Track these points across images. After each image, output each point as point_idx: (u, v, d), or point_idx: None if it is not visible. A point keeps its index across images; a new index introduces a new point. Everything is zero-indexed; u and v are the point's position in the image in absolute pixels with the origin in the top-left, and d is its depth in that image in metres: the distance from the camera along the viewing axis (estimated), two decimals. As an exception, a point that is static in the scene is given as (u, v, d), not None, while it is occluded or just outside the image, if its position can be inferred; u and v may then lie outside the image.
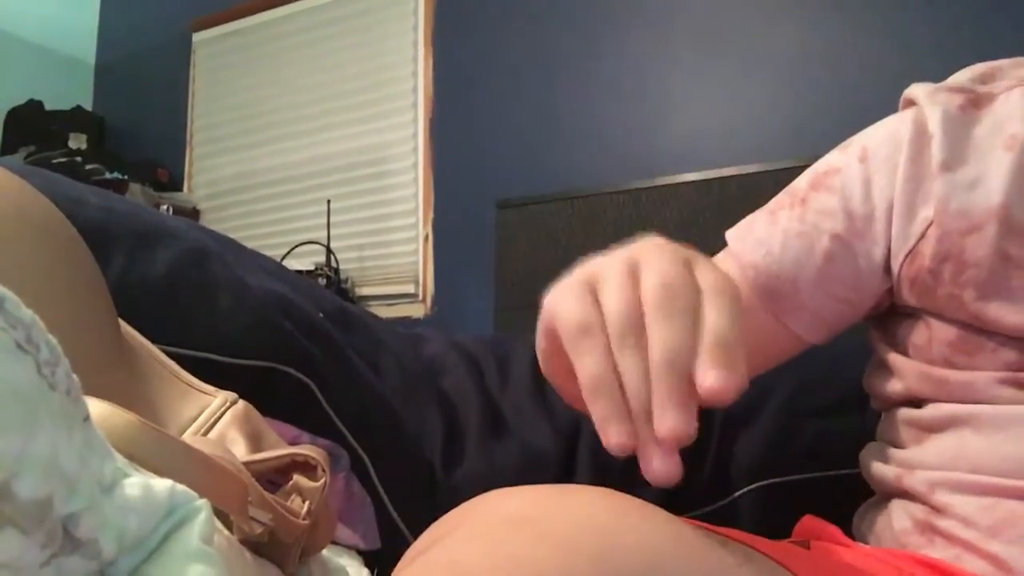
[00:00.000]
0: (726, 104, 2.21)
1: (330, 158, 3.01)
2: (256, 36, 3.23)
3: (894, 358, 0.63)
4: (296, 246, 2.79)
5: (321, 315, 0.86)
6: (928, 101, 0.60)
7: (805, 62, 2.18)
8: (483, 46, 2.72)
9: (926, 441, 0.59)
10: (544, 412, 0.97)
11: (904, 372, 0.61)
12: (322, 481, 0.48)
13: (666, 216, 2.09)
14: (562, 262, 0.51)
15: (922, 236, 0.58)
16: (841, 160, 0.64)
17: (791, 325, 0.65)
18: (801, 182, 0.66)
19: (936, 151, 0.57)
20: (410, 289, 2.81)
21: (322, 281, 2.73)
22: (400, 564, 0.35)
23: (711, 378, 0.37)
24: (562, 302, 0.42)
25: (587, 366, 0.39)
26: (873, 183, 0.60)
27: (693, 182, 2.11)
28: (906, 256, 0.59)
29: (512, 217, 2.40)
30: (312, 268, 2.77)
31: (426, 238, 2.79)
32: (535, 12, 2.63)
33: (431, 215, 2.78)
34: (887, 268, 0.61)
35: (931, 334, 0.59)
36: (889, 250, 0.60)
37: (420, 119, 2.85)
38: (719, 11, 2.28)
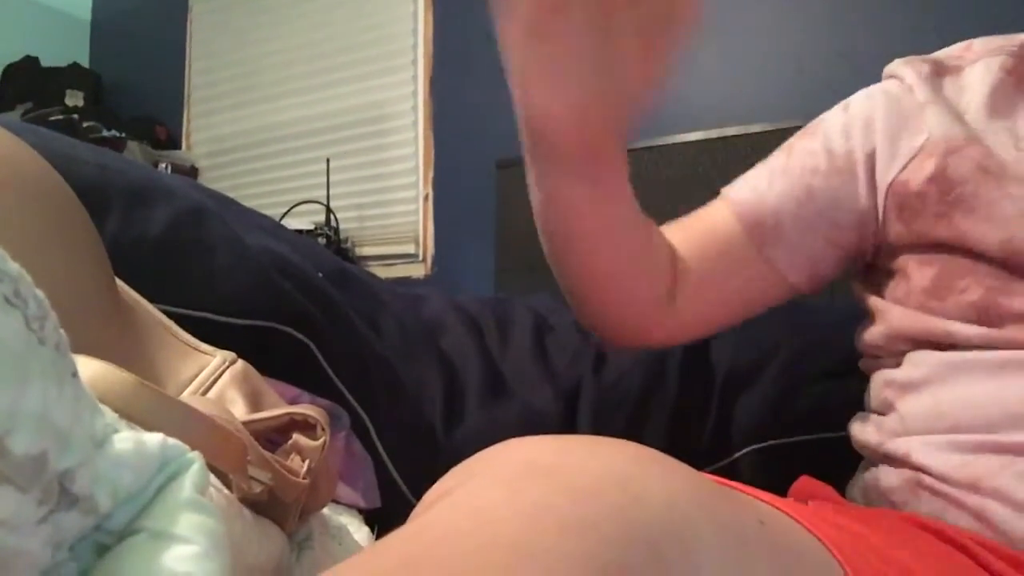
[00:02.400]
0: (728, 63, 2.19)
1: (329, 116, 2.99)
2: (254, -9, 3.19)
3: (875, 301, 0.66)
4: (295, 205, 2.78)
5: (320, 275, 0.86)
6: (901, 65, 0.68)
7: (806, 21, 2.15)
8: (484, 3, 2.68)
9: (903, 403, 0.61)
10: (545, 374, 0.97)
11: (885, 313, 0.64)
12: (322, 440, 0.48)
13: (668, 175, 2.07)
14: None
15: (908, 163, 0.62)
16: (826, 114, 0.70)
17: (774, 259, 0.68)
18: (792, 137, 0.71)
19: (919, 93, 0.64)
20: (410, 249, 2.80)
21: (322, 241, 2.72)
22: (418, 508, 0.35)
23: None
24: None
25: None
26: (853, 126, 0.66)
27: (694, 141, 2.09)
28: (890, 184, 0.63)
29: (512, 177, 2.38)
30: (312, 228, 2.75)
31: (426, 197, 2.77)
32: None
33: (431, 174, 2.76)
34: (872, 206, 0.65)
35: (909, 286, 0.62)
36: (873, 186, 0.64)
37: (420, 77, 2.82)
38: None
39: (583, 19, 0.49)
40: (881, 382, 0.64)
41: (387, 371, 0.85)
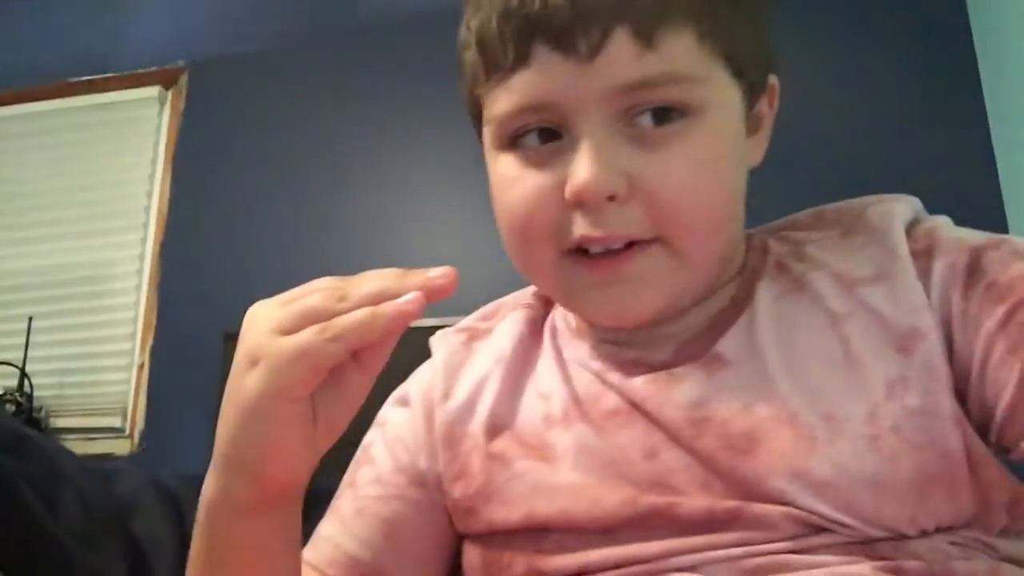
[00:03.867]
0: (467, 244, 2.29)
1: (40, 272, 2.73)
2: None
3: None
4: (-18, 367, 2.46)
5: (-12, 439, 0.74)
6: (437, 343, 0.70)
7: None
8: (226, 173, 2.65)
9: None
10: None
11: None
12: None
13: (413, 357, 2.07)
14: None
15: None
16: (372, 436, 0.68)
17: None
18: (348, 472, 0.68)
19: (438, 384, 0.65)
20: (116, 422, 2.54)
21: (10, 408, 2.41)
22: None
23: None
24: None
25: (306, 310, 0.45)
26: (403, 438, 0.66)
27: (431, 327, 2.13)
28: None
29: (240, 351, 2.28)
30: (0, 393, 2.44)
31: (141, 366, 2.57)
32: (281, 147, 2.62)
33: (150, 341, 2.57)
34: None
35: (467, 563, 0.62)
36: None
37: (150, 240, 2.68)
38: (460, 149, 2.39)
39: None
40: None
41: (58, 556, 0.73)
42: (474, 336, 0.69)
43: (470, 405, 0.63)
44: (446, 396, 0.64)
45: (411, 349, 2.18)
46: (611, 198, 0.52)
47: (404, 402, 0.68)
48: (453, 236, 2.36)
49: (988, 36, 2.12)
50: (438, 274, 0.45)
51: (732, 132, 0.56)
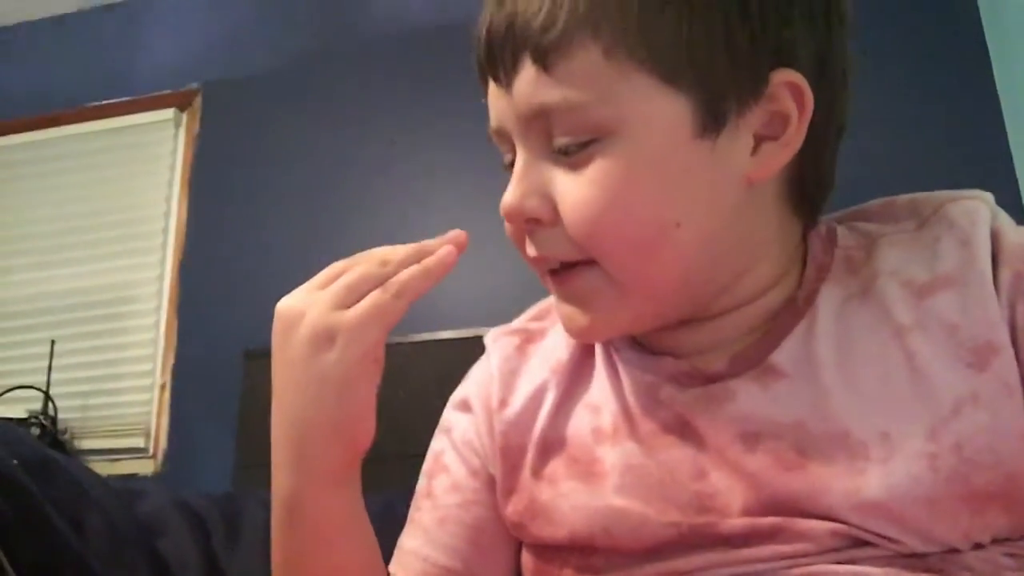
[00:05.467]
0: (485, 258, 2.30)
1: (61, 295, 2.76)
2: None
3: None
4: (8, 390, 2.48)
5: (15, 462, 0.75)
6: (491, 345, 0.69)
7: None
8: (241, 193, 2.67)
9: None
10: (276, 578, 0.89)
11: None
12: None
13: (424, 371, 2.08)
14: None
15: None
16: (440, 443, 0.68)
17: None
18: (421, 481, 0.68)
19: (495, 391, 0.65)
20: (139, 443, 2.56)
21: (35, 431, 2.43)
22: None
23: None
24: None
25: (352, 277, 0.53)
26: (480, 433, 0.65)
27: (450, 340, 2.13)
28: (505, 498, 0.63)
29: (260, 368, 2.28)
30: (25, 416, 2.46)
31: (163, 387, 2.58)
32: (296, 165, 2.63)
33: (171, 361, 2.59)
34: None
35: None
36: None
37: (168, 261, 2.70)
38: (475, 165, 2.38)
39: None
40: None
41: (86, 578, 0.74)
42: (528, 339, 0.68)
43: (526, 418, 0.63)
44: (503, 404, 0.64)
45: (427, 361, 2.17)
46: (537, 221, 0.54)
47: (466, 407, 0.68)
48: (470, 250, 2.35)
49: (1000, 38, 2.10)
50: (452, 233, 0.56)
51: (659, 151, 0.51)
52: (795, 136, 0.53)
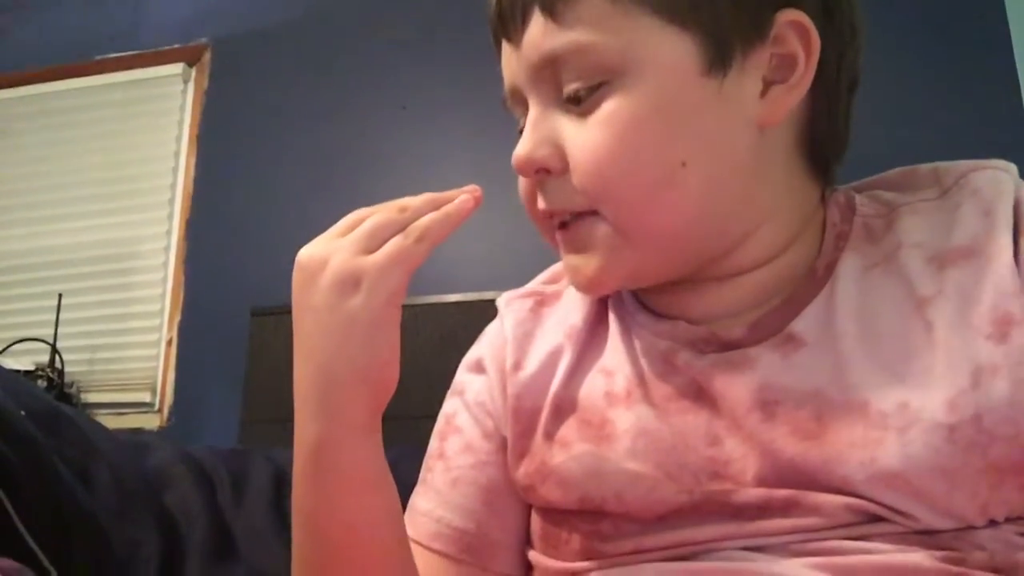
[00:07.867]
0: (494, 221, 2.29)
1: (67, 249, 2.76)
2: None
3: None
4: (14, 343, 2.49)
5: (23, 413, 0.75)
6: (504, 308, 0.69)
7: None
8: (250, 150, 2.65)
9: None
10: (281, 533, 0.90)
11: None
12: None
13: (429, 333, 2.09)
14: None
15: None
16: (452, 404, 0.68)
17: (499, 569, 0.63)
18: (432, 443, 0.68)
19: (509, 353, 0.65)
20: (146, 397, 2.58)
21: (42, 383, 2.44)
22: None
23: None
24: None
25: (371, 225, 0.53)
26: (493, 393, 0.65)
27: (455, 303, 2.13)
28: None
29: (266, 325, 2.29)
30: (32, 368, 2.47)
31: (169, 342, 2.59)
32: (305, 122, 2.62)
33: (178, 317, 2.60)
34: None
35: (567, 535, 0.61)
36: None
37: (176, 217, 2.70)
38: (487, 124, 2.37)
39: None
40: None
41: (92, 529, 0.74)
42: (542, 301, 0.68)
43: (540, 381, 0.63)
44: (517, 367, 0.64)
45: (433, 325, 2.17)
46: (547, 171, 0.55)
47: (480, 368, 0.68)
48: (477, 215, 2.35)
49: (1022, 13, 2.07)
50: (468, 187, 0.56)
51: (666, 90, 0.52)
52: (803, 79, 0.54)
